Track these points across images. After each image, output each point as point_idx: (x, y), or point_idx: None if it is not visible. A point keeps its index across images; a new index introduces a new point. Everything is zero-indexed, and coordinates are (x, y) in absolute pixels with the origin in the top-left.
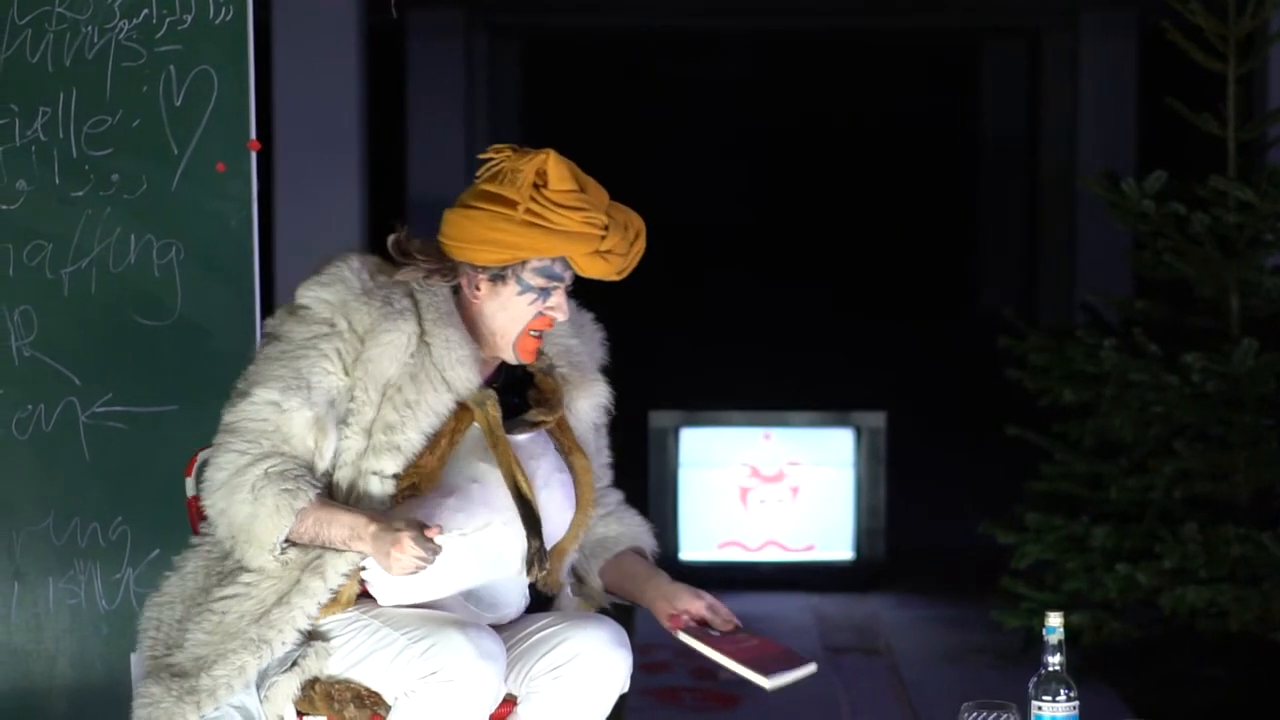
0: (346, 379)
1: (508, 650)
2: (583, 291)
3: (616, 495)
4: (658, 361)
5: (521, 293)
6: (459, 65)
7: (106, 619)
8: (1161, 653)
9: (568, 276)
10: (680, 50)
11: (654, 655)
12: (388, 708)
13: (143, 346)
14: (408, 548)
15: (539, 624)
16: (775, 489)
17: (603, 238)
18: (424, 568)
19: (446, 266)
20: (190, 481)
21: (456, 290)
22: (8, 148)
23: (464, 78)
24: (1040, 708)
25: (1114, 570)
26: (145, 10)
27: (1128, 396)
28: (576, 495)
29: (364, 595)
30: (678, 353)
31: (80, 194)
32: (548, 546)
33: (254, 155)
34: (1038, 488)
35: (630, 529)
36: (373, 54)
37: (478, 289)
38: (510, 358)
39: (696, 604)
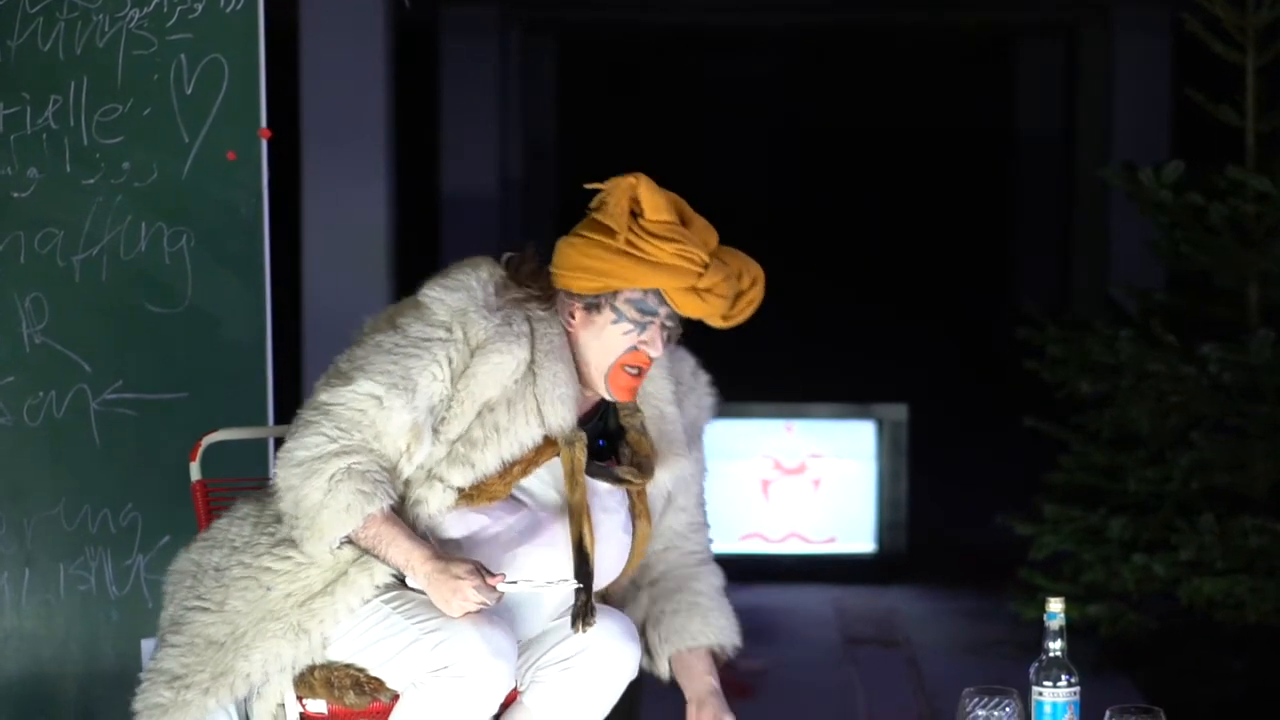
0: (450, 389)
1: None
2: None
3: (716, 580)
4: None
5: (615, 322)
6: (493, 62)
7: (117, 605)
8: (1179, 644)
9: (663, 312)
10: (714, 47)
11: None
12: (389, 694)
13: (153, 334)
14: (470, 595)
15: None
16: (797, 481)
17: (700, 274)
18: (487, 605)
19: (545, 294)
20: (195, 466)
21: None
22: (19, 135)
23: (497, 74)
24: (1041, 693)
25: (1131, 561)
26: None
27: (1145, 387)
28: (629, 557)
29: None
30: (713, 345)
31: (91, 182)
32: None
33: (264, 143)
34: (1056, 479)
35: (716, 629)
36: (406, 50)
37: (572, 317)
38: (604, 392)
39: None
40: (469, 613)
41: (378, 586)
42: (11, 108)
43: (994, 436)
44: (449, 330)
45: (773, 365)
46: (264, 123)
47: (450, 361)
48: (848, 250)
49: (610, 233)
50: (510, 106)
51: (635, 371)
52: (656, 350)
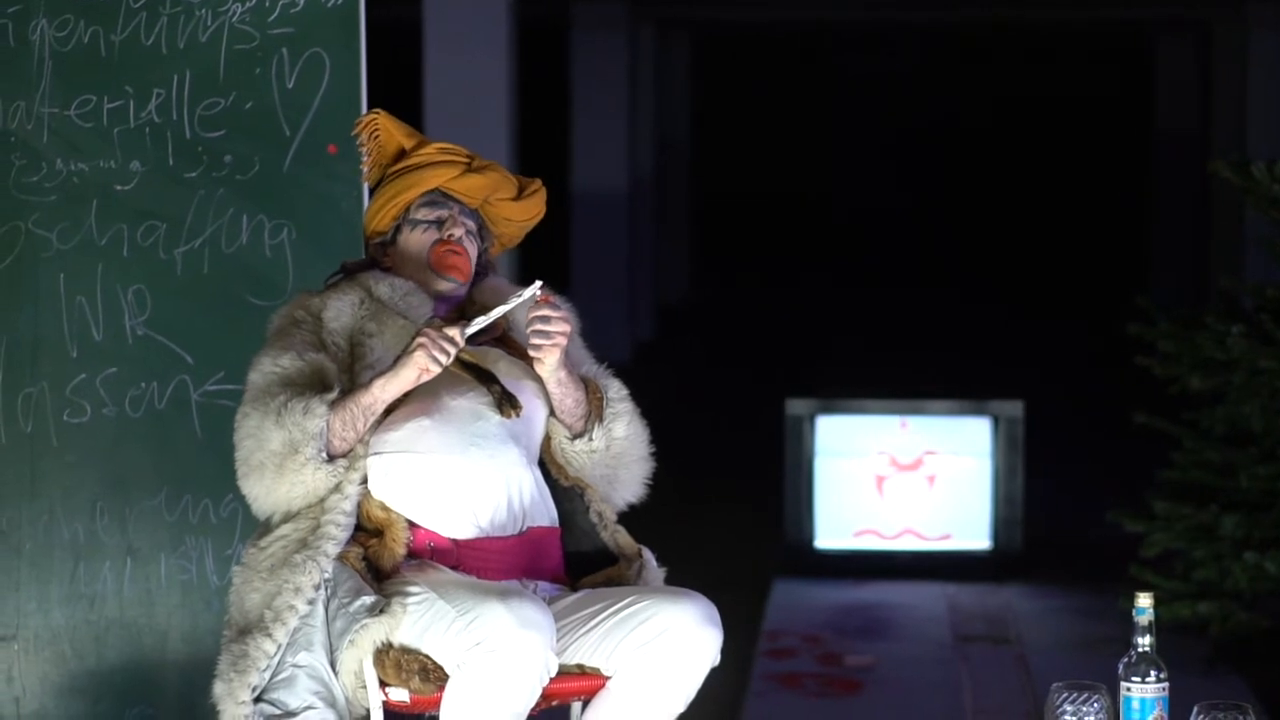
0: (323, 350)
1: (596, 625)
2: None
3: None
4: (812, 351)
5: (413, 229)
6: (624, 58)
7: (218, 594)
8: None
9: (455, 208)
10: (848, 43)
11: (780, 641)
12: None
13: (254, 326)
14: (428, 333)
15: (628, 599)
16: (912, 477)
17: (469, 159)
18: (451, 350)
19: (364, 260)
20: None
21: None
22: (122, 129)
23: (628, 71)
24: (1129, 689)
25: (1243, 559)
26: None
27: (1257, 383)
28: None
29: (410, 556)
30: (830, 342)
31: (193, 175)
32: (540, 423)
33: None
34: (1168, 476)
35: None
36: (537, 46)
37: (388, 255)
38: (440, 280)
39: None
40: (500, 592)
41: (349, 498)
42: (115, 101)
43: (1110, 433)
44: (297, 323)
45: (897, 370)
46: (365, 109)
47: (313, 333)
48: (975, 246)
49: (391, 177)
50: (641, 103)
51: (455, 252)
52: (459, 229)
